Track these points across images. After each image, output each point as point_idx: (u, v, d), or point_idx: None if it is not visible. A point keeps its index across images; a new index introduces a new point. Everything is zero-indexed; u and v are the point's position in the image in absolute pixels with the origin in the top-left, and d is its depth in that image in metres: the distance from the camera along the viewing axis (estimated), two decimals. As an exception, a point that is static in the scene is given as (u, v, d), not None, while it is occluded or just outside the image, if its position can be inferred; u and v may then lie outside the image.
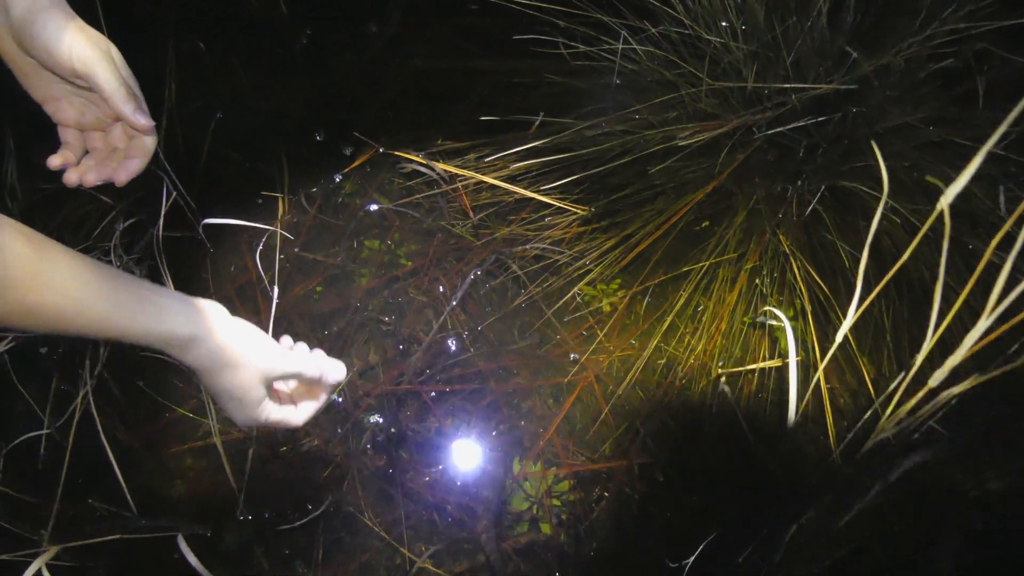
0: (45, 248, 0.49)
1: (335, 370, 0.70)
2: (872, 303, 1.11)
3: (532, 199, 1.37)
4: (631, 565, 1.09)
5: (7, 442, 1.10)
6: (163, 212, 1.20)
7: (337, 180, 1.43)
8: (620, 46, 1.44)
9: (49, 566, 0.91)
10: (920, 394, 0.88)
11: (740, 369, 1.20)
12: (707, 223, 1.36)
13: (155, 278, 1.19)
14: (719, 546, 1.05)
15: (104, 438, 1.07)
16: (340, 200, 1.41)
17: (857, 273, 0.89)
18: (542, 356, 1.25)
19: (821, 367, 1.10)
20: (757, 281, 1.28)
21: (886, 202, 0.88)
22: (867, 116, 1.37)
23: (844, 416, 1.14)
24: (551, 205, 1.37)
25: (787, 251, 1.28)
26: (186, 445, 1.16)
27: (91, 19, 0.62)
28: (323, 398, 0.73)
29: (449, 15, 1.64)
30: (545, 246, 1.33)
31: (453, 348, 1.24)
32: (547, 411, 1.20)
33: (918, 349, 0.88)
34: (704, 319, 1.25)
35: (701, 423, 1.16)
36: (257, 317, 1.24)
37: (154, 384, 1.20)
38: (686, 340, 1.24)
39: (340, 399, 1.19)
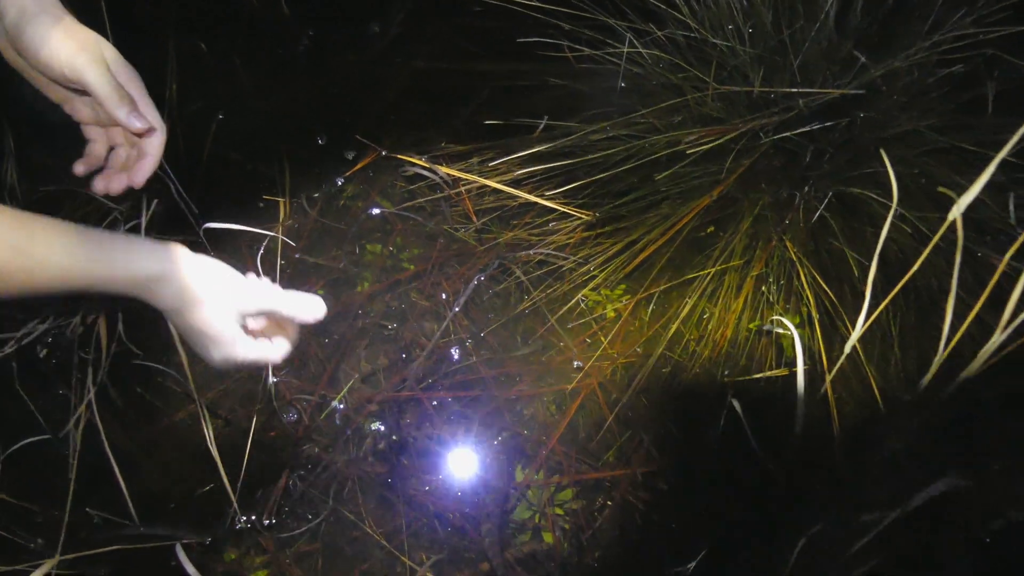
0: None
1: (314, 306, 0.67)
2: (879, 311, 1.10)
3: (536, 203, 1.36)
4: (634, 575, 1.08)
5: (5, 447, 1.09)
6: (149, 214, 1.18)
7: (339, 183, 1.42)
8: (625, 49, 1.42)
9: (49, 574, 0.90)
10: (931, 407, 0.87)
11: (745, 378, 1.18)
12: (713, 229, 1.35)
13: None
14: (722, 556, 1.04)
15: (107, 445, 1.06)
16: (342, 203, 1.40)
17: (865, 281, 0.88)
18: (545, 363, 1.23)
19: (829, 378, 1.09)
20: (763, 288, 1.26)
21: (895, 210, 0.87)
22: (875, 122, 1.36)
23: (851, 426, 1.13)
24: (555, 210, 1.36)
25: (794, 258, 1.26)
26: (184, 451, 1.15)
27: (95, 20, 0.61)
28: (295, 336, 0.69)
29: (452, 16, 1.63)
30: (549, 251, 1.32)
31: (456, 354, 1.23)
32: (550, 418, 1.18)
33: (926, 359, 0.87)
34: (710, 326, 1.24)
35: (706, 432, 1.15)
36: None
37: (152, 390, 1.19)
38: (691, 347, 1.23)
39: (341, 405, 1.17)
